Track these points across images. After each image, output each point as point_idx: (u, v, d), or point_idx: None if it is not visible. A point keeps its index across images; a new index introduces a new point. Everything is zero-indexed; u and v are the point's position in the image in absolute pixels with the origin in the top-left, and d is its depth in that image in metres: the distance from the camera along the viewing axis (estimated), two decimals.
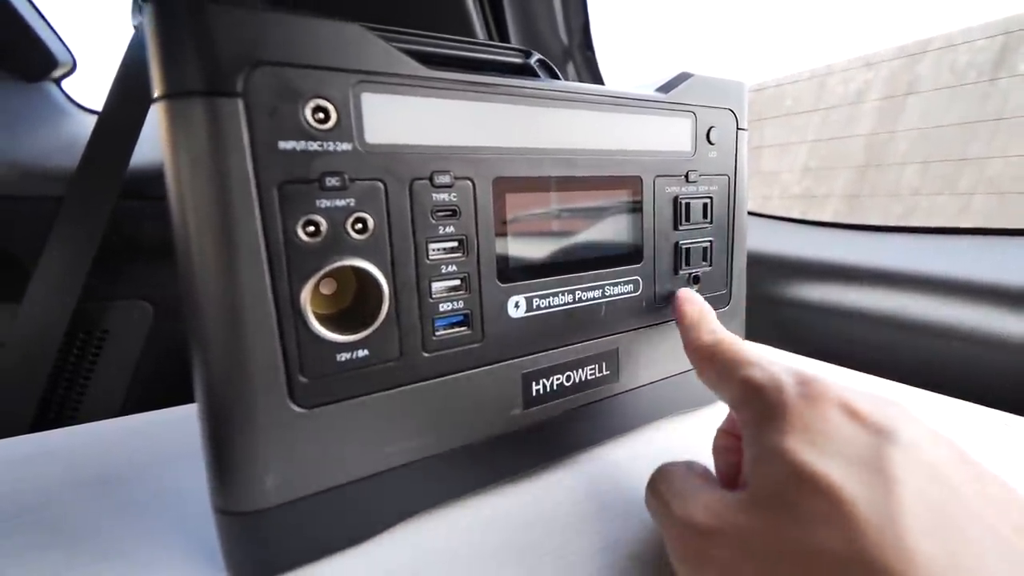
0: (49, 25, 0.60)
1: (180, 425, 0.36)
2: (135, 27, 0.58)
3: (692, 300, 0.28)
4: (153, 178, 0.61)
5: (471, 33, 0.66)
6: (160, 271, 0.62)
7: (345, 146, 0.20)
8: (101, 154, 0.56)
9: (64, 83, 0.66)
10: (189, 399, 0.38)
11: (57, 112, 0.64)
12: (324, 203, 0.20)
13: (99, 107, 0.58)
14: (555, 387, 0.27)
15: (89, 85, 0.69)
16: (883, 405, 0.17)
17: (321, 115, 0.19)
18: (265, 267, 0.19)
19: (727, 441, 0.24)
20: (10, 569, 0.22)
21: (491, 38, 0.68)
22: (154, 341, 0.63)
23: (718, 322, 0.25)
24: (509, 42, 0.68)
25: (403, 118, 0.21)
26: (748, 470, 0.17)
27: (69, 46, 0.63)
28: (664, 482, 0.20)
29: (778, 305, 0.57)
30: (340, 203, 0.20)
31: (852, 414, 0.16)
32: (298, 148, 0.19)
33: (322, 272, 0.20)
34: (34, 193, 0.56)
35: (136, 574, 0.22)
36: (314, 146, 0.19)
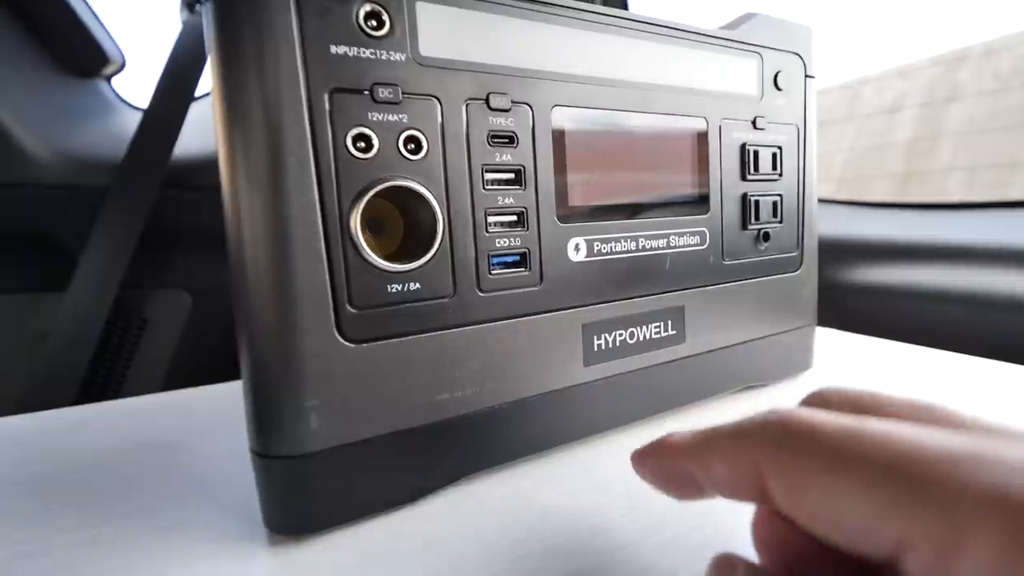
0: (102, 24, 0.63)
1: (219, 401, 0.35)
2: (183, 23, 0.59)
3: (679, 431, 0.15)
4: (194, 168, 0.61)
5: None
6: (199, 261, 0.62)
7: (398, 56, 0.18)
8: (145, 147, 0.57)
9: (113, 81, 0.68)
10: None
11: (107, 107, 0.66)
12: (376, 116, 0.18)
13: (143, 104, 0.60)
14: (618, 343, 0.25)
15: (133, 83, 0.71)
16: None
17: (374, 21, 0.18)
18: (313, 179, 0.17)
19: (804, 549, 0.13)
20: (45, 525, 0.21)
21: None
22: (192, 331, 0.62)
23: None
24: None
25: (459, 32, 0.20)
26: None
27: (120, 45, 0.65)
28: None
29: (833, 289, 0.53)
30: (392, 118, 0.18)
31: None
32: (350, 54, 0.18)
33: (373, 191, 0.18)
34: (82, 182, 0.57)
35: (171, 529, 0.20)
36: (366, 53, 0.18)
